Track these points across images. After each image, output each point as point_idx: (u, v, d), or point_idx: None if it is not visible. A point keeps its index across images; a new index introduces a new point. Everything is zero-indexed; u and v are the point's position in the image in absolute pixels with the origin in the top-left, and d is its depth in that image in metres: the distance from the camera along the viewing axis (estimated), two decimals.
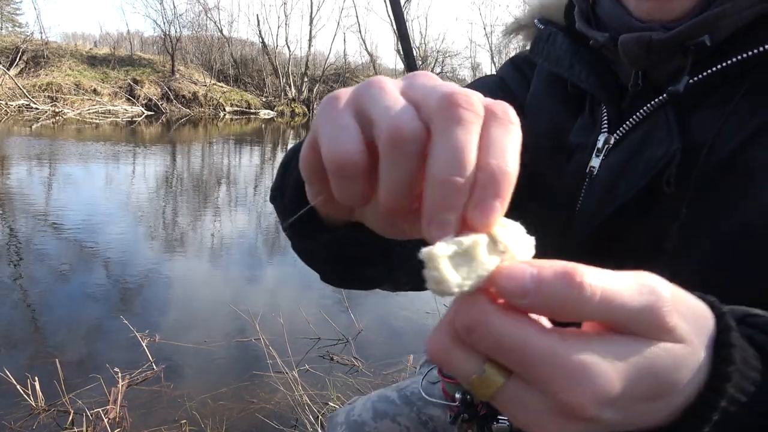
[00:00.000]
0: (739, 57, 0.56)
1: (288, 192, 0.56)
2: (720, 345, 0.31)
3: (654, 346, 0.29)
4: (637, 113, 0.64)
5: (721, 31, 0.57)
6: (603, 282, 0.28)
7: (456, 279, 0.28)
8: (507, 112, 0.32)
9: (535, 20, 0.78)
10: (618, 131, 0.66)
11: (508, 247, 0.29)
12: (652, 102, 0.63)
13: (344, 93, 0.36)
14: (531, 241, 0.31)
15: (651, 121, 0.63)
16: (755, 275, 0.56)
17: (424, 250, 0.28)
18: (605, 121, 0.68)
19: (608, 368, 0.27)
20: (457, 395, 0.58)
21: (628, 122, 0.65)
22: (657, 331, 0.29)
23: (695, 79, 0.59)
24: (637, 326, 0.29)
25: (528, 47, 0.87)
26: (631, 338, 0.29)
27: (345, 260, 0.57)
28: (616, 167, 0.64)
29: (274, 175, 0.61)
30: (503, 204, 0.30)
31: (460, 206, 0.30)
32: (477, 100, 0.31)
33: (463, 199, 0.30)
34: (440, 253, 0.28)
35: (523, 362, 0.28)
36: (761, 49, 0.55)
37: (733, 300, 0.57)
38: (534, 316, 0.29)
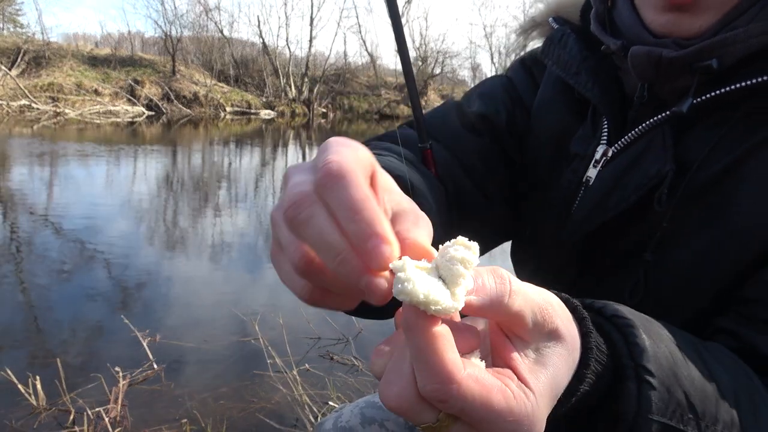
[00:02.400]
0: (743, 84, 0.56)
1: None
2: (583, 348, 0.37)
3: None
4: (637, 129, 0.65)
5: (729, 56, 0.57)
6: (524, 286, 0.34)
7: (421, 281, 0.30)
8: (328, 172, 0.32)
9: (550, 19, 0.78)
10: (616, 145, 0.67)
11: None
12: (653, 119, 0.63)
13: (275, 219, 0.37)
14: (474, 249, 0.32)
15: (648, 137, 0.64)
16: (723, 289, 0.58)
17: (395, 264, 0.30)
18: (605, 133, 0.69)
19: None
20: None
21: (627, 136, 0.66)
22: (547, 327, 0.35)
23: (698, 100, 0.59)
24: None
25: (529, 47, 0.87)
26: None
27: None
28: (610, 180, 0.65)
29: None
30: (389, 242, 0.31)
31: (361, 269, 0.31)
32: (298, 196, 0.33)
33: (359, 264, 0.31)
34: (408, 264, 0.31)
35: (481, 422, 0.31)
36: (764, 78, 0.55)
37: (700, 311, 0.60)
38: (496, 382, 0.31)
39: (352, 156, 0.33)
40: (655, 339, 0.40)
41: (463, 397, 0.30)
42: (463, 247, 0.31)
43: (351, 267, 0.31)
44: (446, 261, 0.31)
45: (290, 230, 0.34)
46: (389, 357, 0.33)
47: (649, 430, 0.38)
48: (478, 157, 0.78)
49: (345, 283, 0.32)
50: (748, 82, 0.56)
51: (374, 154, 0.57)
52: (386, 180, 0.38)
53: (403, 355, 0.32)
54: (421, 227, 0.35)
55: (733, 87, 0.57)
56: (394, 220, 0.35)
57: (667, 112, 0.61)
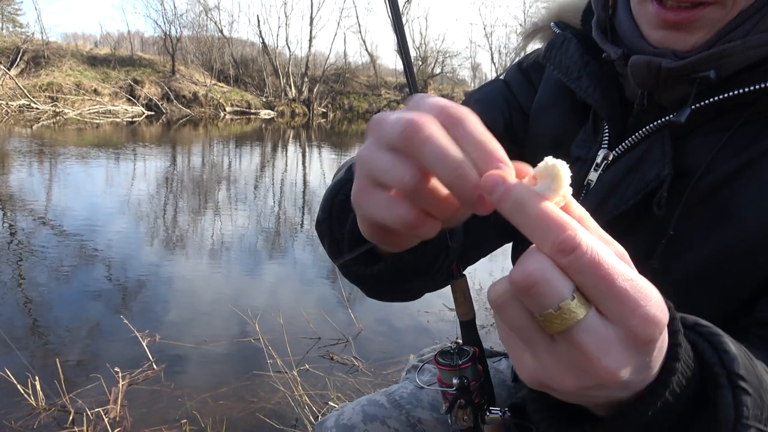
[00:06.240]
0: (741, 90, 0.57)
1: (342, 227, 0.62)
2: (671, 344, 0.36)
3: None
4: (637, 133, 0.66)
5: (727, 67, 0.58)
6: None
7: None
8: (452, 111, 0.36)
9: (552, 24, 0.78)
10: (617, 149, 0.68)
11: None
12: (652, 124, 0.64)
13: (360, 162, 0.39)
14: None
15: (648, 142, 0.64)
16: (724, 298, 0.58)
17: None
18: (606, 137, 0.69)
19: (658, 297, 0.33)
20: (454, 380, 0.59)
21: (627, 141, 0.67)
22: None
23: (697, 106, 0.60)
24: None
25: (528, 50, 0.87)
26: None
27: (394, 279, 0.62)
28: (610, 183, 0.66)
29: (321, 202, 0.67)
30: (510, 167, 0.34)
31: (477, 184, 0.34)
32: (416, 119, 0.35)
33: (476, 179, 0.34)
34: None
35: (608, 284, 0.31)
36: (763, 85, 0.56)
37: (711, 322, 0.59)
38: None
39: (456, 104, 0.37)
40: (738, 346, 0.40)
41: (588, 246, 0.30)
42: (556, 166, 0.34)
43: (469, 181, 0.34)
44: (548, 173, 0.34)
45: (404, 150, 0.36)
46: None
47: None
48: None
49: (450, 200, 0.36)
50: (747, 89, 0.57)
51: None
52: None
53: (527, 251, 0.33)
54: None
55: (731, 94, 0.58)
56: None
57: (666, 118, 0.62)
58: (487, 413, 0.63)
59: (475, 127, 0.35)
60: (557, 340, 0.32)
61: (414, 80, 0.65)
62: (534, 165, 0.35)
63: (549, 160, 0.34)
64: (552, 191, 0.33)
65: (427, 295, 0.75)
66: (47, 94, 19.51)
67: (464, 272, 0.73)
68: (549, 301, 0.31)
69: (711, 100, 0.59)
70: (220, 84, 26.12)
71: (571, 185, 0.34)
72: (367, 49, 32.20)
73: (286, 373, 2.55)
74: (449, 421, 0.64)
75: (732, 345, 0.39)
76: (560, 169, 0.33)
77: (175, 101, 22.86)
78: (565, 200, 0.34)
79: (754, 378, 0.39)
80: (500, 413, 0.63)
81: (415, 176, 0.35)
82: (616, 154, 0.68)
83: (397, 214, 0.37)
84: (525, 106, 0.83)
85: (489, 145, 0.34)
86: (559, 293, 0.31)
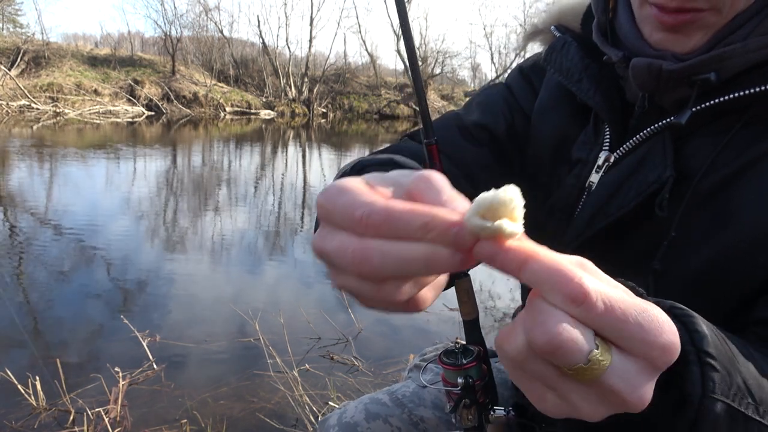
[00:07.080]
0: (741, 93, 0.58)
1: None
2: None
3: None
4: (638, 135, 0.66)
5: (727, 69, 0.59)
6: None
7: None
8: (428, 180, 0.34)
9: (552, 27, 0.79)
10: (618, 151, 0.68)
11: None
12: (653, 126, 0.64)
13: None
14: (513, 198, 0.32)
15: (649, 144, 0.65)
16: (725, 299, 0.59)
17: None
18: (607, 139, 0.70)
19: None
20: (459, 380, 0.60)
21: (628, 143, 0.67)
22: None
23: (697, 108, 0.60)
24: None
25: (528, 52, 0.88)
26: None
27: None
28: (611, 185, 0.66)
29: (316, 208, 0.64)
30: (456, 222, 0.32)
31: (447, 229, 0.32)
32: (394, 211, 0.32)
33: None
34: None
35: (625, 323, 0.31)
36: (763, 87, 0.57)
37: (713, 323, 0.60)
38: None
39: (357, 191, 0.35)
40: (712, 329, 0.42)
41: (597, 292, 0.30)
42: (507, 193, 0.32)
43: (444, 262, 0.32)
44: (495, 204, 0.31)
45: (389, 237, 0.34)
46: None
47: (714, 412, 0.39)
48: (479, 166, 0.80)
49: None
50: (747, 92, 0.58)
51: (383, 163, 0.59)
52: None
53: (535, 303, 0.32)
54: (443, 191, 0.34)
55: (731, 96, 0.59)
56: (417, 197, 0.35)
57: (667, 120, 0.63)
58: (492, 412, 0.63)
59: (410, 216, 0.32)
60: (587, 384, 0.33)
61: (420, 83, 0.65)
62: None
63: (499, 192, 0.31)
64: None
65: None
66: (47, 94, 19.51)
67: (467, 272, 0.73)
68: (577, 358, 0.31)
69: (711, 102, 0.60)
70: (220, 84, 26.12)
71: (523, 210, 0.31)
72: (367, 50, 32.24)
73: (287, 372, 2.55)
74: (453, 420, 0.64)
75: (704, 326, 0.41)
76: (513, 197, 0.31)
77: (175, 101, 22.85)
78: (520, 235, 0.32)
79: (725, 357, 0.41)
80: (504, 413, 0.64)
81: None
82: (617, 156, 0.68)
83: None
84: (526, 108, 0.84)
85: (433, 220, 0.31)
86: (585, 349, 0.31)
